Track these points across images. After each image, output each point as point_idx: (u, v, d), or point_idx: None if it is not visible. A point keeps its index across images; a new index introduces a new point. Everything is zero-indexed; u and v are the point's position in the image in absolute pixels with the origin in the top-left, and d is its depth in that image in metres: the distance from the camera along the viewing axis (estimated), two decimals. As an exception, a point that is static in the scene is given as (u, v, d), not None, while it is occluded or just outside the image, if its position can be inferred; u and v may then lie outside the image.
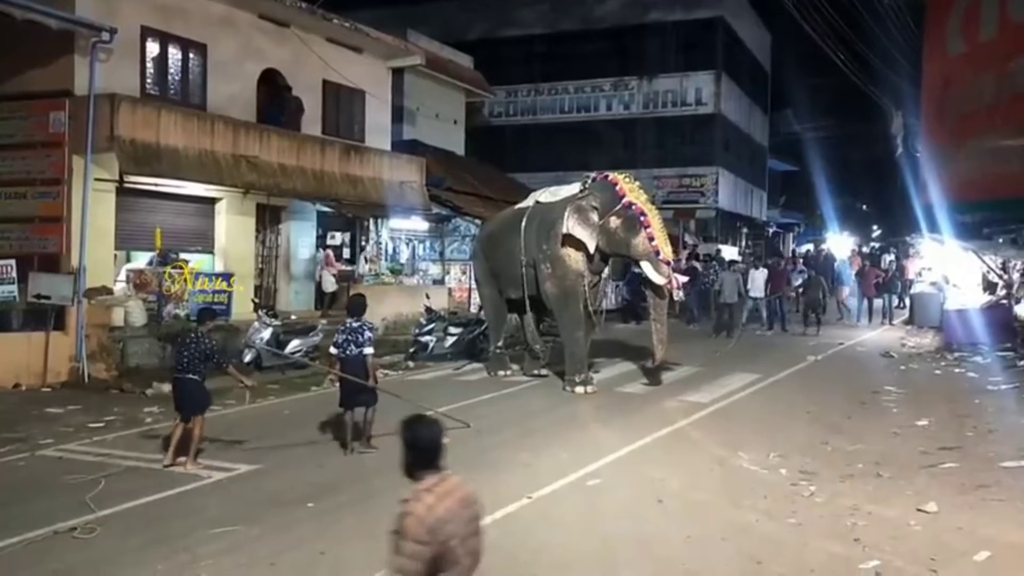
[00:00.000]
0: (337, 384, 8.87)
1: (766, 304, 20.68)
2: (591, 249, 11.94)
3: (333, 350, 8.60)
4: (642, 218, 11.76)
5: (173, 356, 8.40)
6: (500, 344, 13.75)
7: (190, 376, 7.80)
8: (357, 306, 8.76)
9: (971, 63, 16.24)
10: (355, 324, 8.45)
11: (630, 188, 12.01)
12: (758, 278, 20.19)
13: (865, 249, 38.74)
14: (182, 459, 7.70)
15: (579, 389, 11.84)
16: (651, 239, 11.72)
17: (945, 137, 17.49)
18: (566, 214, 11.91)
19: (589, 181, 12.46)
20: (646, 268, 11.99)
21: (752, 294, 19.91)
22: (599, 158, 31.00)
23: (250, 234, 16.32)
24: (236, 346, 13.15)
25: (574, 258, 12.11)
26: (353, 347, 8.32)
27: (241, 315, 14.28)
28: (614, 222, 11.89)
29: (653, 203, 12.51)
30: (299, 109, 17.06)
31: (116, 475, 7.38)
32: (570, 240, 11.97)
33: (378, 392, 8.52)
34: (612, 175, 12.32)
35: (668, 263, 11.94)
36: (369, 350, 8.36)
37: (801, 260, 28.42)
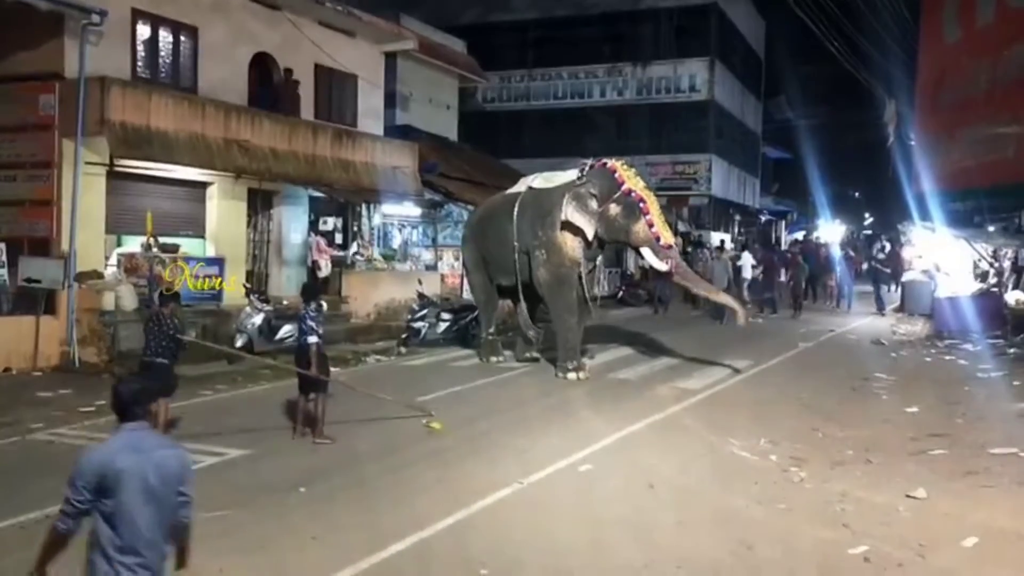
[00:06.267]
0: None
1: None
2: (590, 236, 11.94)
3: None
4: (641, 205, 11.77)
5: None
6: (492, 330, 13.74)
7: (158, 360, 7.80)
8: (307, 291, 8.73)
9: (967, 50, 16.27)
10: (302, 311, 8.40)
11: (628, 175, 11.99)
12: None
13: (841, 238, 38.87)
14: None
15: (571, 375, 11.85)
16: (651, 225, 11.76)
17: (939, 124, 17.54)
18: (564, 201, 11.88)
19: (587, 168, 12.41)
20: (647, 255, 12.03)
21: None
22: (592, 144, 30.84)
23: (241, 219, 16.23)
24: (228, 331, 13.13)
25: (570, 245, 12.10)
26: (302, 336, 8.27)
27: (233, 300, 14.25)
28: (613, 209, 11.88)
29: (650, 190, 12.50)
30: (296, 95, 16.98)
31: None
32: (568, 227, 11.96)
33: (342, 384, 8.47)
34: (610, 162, 12.28)
35: (669, 247, 12.00)
36: (312, 339, 8.19)
37: (799, 247, 28.74)
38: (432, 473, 7.20)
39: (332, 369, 12.15)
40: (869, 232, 47.10)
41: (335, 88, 18.53)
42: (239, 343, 12.67)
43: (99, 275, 12.94)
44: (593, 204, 11.89)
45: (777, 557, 5.38)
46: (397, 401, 9.36)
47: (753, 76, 38.78)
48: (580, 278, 12.37)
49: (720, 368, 12.69)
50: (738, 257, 23.11)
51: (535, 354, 13.35)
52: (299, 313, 8.43)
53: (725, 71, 33.34)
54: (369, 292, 17.06)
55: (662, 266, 12.05)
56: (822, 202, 40.57)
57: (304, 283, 9.43)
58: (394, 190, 18.52)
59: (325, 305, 12.20)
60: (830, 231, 38.93)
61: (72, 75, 12.75)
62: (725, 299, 12.36)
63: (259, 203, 16.61)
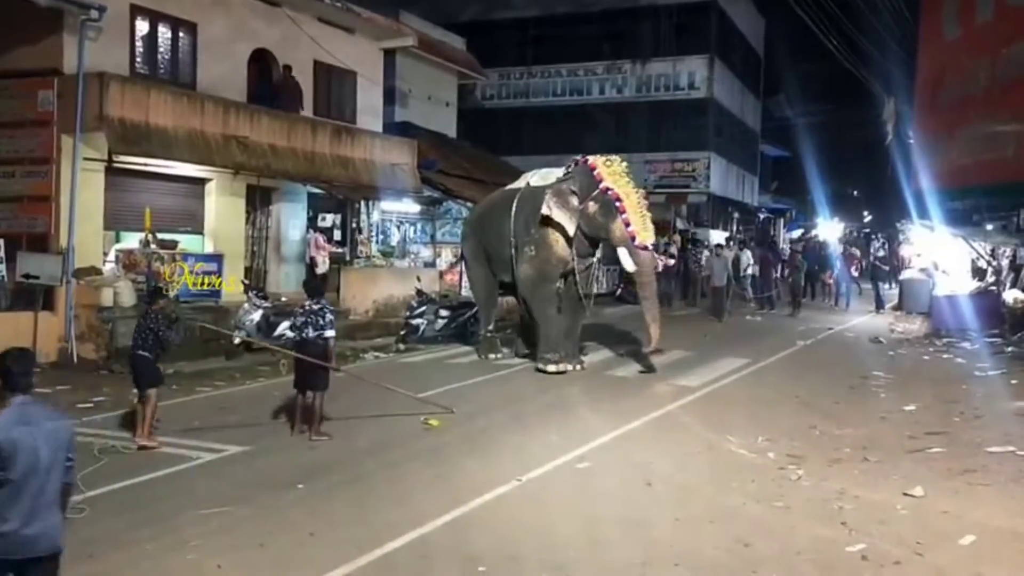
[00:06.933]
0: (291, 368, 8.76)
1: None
2: (571, 232, 11.93)
3: (290, 332, 8.55)
4: (617, 204, 11.62)
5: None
6: (491, 327, 13.73)
7: (139, 353, 7.91)
8: (314, 288, 8.72)
9: (967, 48, 16.26)
10: (315, 306, 8.36)
11: (609, 172, 11.85)
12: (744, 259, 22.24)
13: (843, 236, 39.01)
14: (140, 435, 7.78)
15: (550, 367, 11.88)
16: (627, 224, 11.58)
17: (938, 123, 17.53)
18: (546, 197, 11.95)
19: (573, 165, 12.42)
20: (621, 255, 11.88)
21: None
22: (592, 142, 30.76)
23: (240, 215, 16.23)
24: (226, 327, 13.11)
25: (560, 243, 12.10)
26: (311, 330, 8.24)
27: (231, 297, 14.24)
28: (592, 207, 11.84)
29: (638, 186, 12.27)
30: (298, 92, 16.95)
31: (105, 455, 7.36)
32: (549, 223, 11.99)
33: (356, 376, 8.47)
34: (592, 159, 12.19)
35: (645, 248, 11.75)
36: (330, 333, 8.26)
37: (802, 246, 28.92)
38: (430, 470, 7.20)
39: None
40: (867, 230, 47.13)
41: (334, 84, 18.52)
42: (237, 340, 12.66)
43: (97, 271, 12.93)
44: (574, 201, 11.88)
45: (775, 555, 5.39)
46: (412, 396, 9.30)
47: (752, 74, 38.75)
48: (574, 275, 12.36)
49: (719, 366, 12.70)
50: (739, 258, 23.16)
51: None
52: (308, 308, 8.37)
53: (724, 69, 33.31)
54: (368, 289, 17.04)
55: (631, 267, 11.83)
56: (821, 200, 40.53)
57: (307, 280, 9.37)
58: (393, 187, 18.51)
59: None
60: (829, 229, 38.93)
61: (71, 71, 12.73)
62: (654, 329, 11.98)
63: (258, 199, 16.60)
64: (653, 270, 12.16)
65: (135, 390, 8.07)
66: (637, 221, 11.64)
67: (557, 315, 12.38)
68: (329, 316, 8.29)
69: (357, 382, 9.49)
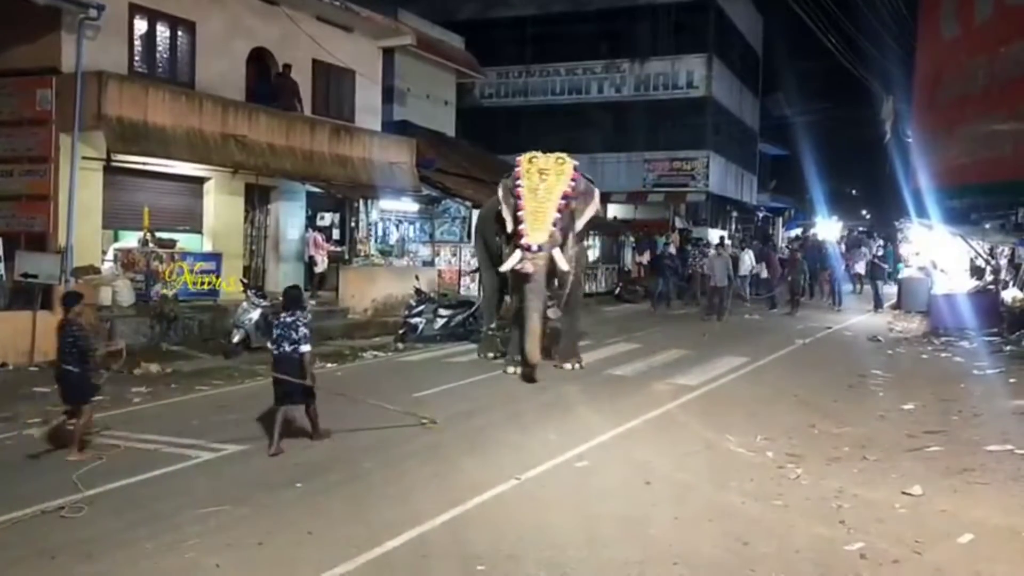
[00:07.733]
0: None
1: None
2: (508, 229, 11.84)
3: (269, 345, 8.11)
4: (518, 201, 11.42)
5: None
6: (492, 326, 13.71)
7: (64, 367, 7.44)
8: (291, 299, 8.16)
9: (965, 47, 16.23)
10: (288, 319, 7.90)
11: (527, 167, 11.55)
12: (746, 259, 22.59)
13: (847, 236, 39.07)
14: (61, 449, 7.38)
15: (509, 369, 11.87)
16: (518, 222, 11.29)
17: (937, 121, 17.51)
18: (498, 194, 12.05)
19: None
20: (514, 253, 11.52)
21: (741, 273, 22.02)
22: (590, 141, 31.01)
23: (239, 214, 16.24)
24: (225, 326, 13.13)
25: None
26: (287, 344, 7.78)
27: (230, 296, 14.25)
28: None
29: (549, 181, 11.42)
30: (297, 91, 16.94)
31: (103, 454, 7.36)
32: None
33: (338, 394, 8.30)
34: (523, 156, 11.93)
35: (528, 248, 11.14)
36: (305, 348, 7.81)
37: (799, 244, 28.91)
38: (428, 469, 7.20)
39: (329, 366, 12.22)
40: (862, 228, 47.19)
41: (333, 83, 18.52)
42: (236, 339, 12.68)
43: (96, 270, 12.94)
44: (511, 198, 11.80)
45: (773, 553, 5.39)
46: (398, 411, 9.01)
47: (751, 73, 38.77)
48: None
49: (718, 365, 12.70)
50: (738, 257, 23.23)
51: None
52: (282, 320, 7.95)
53: (723, 67, 33.33)
54: (366, 288, 17.06)
55: (506, 267, 11.59)
56: (819, 199, 40.58)
57: (288, 289, 8.64)
58: (391, 186, 18.51)
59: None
60: (827, 228, 38.99)
61: (69, 70, 12.74)
62: (530, 344, 11.04)
63: (256, 198, 16.62)
64: (534, 275, 11.19)
65: (65, 406, 7.61)
66: (529, 220, 11.19)
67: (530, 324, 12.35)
68: (303, 330, 7.84)
69: (345, 387, 9.43)
